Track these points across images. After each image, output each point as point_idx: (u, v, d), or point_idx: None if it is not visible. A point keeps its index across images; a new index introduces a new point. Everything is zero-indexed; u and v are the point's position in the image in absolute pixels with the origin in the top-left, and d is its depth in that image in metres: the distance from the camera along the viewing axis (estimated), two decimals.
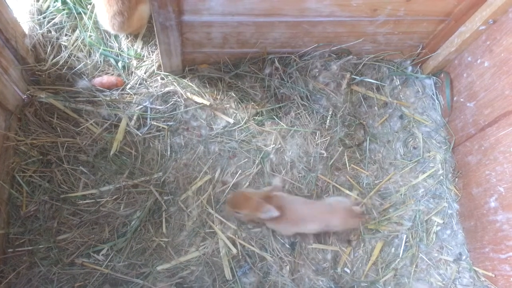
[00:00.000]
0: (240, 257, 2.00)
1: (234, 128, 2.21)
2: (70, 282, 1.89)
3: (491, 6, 1.90)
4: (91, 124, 2.10)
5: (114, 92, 2.17)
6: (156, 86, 2.20)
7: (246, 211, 1.91)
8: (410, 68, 2.41)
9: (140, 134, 2.12)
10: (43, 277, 1.89)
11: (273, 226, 2.02)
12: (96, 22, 2.23)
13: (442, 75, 2.38)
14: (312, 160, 2.20)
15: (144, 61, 2.26)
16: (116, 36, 2.28)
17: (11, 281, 1.86)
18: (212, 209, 2.05)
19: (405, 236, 2.18)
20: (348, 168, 2.24)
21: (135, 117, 2.15)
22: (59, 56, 2.17)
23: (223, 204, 2.07)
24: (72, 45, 2.20)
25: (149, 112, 2.16)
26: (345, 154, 2.25)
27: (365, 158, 2.28)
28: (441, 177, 2.28)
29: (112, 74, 2.22)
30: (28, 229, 1.94)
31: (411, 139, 2.35)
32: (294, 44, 2.19)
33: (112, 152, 2.07)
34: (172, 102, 2.19)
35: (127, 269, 1.94)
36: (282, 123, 2.24)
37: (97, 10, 2.15)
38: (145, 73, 2.23)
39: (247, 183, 2.12)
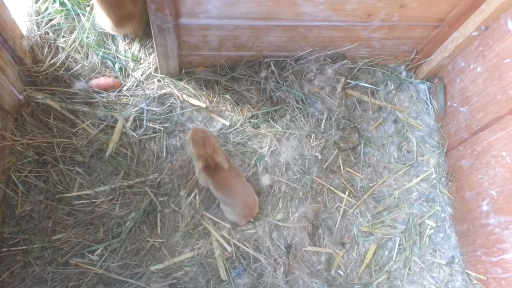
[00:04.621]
0: (234, 258, 2.01)
1: (229, 130, 2.22)
2: (64, 281, 1.90)
3: (483, 13, 1.93)
4: (87, 125, 2.11)
5: (110, 94, 2.18)
6: (153, 88, 2.21)
7: (199, 149, 1.82)
8: (404, 73, 2.44)
9: (136, 136, 2.14)
10: (37, 276, 1.89)
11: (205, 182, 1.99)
12: (94, 24, 2.25)
13: (436, 80, 2.41)
14: (307, 163, 2.21)
15: (141, 63, 2.27)
16: (113, 38, 2.29)
17: (5, 280, 1.86)
18: (206, 211, 2.07)
19: (398, 239, 2.19)
20: (342, 171, 2.26)
21: (131, 119, 2.16)
22: (56, 58, 2.18)
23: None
24: (70, 47, 2.22)
25: (145, 114, 2.17)
26: (340, 157, 2.27)
27: (359, 161, 2.30)
28: (434, 181, 2.30)
29: (109, 76, 2.23)
30: (22, 229, 1.94)
31: (405, 143, 2.38)
32: (290, 48, 2.21)
33: (108, 153, 2.08)
34: (169, 104, 2.20)
35: (121, 270, 1.94)
36: (277, 126, 2.25)
37: (96, 10, 2.16)
38: (142, 75, 2.24)
39: None
